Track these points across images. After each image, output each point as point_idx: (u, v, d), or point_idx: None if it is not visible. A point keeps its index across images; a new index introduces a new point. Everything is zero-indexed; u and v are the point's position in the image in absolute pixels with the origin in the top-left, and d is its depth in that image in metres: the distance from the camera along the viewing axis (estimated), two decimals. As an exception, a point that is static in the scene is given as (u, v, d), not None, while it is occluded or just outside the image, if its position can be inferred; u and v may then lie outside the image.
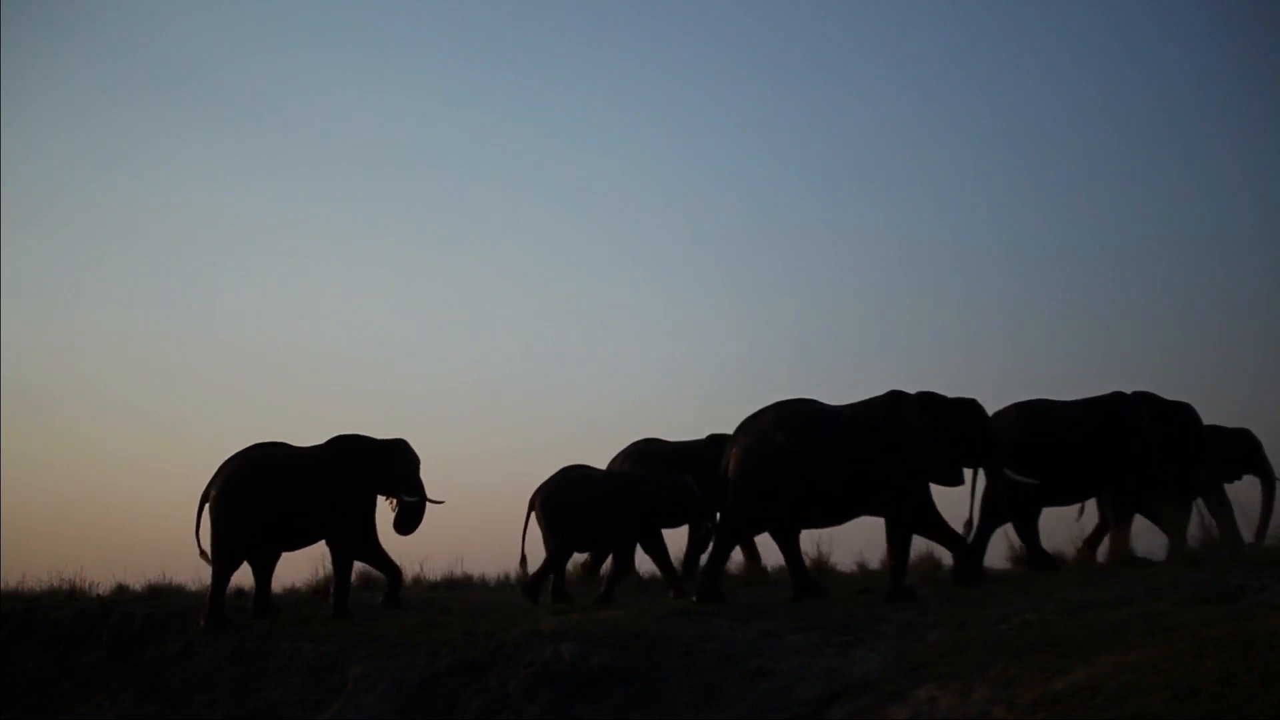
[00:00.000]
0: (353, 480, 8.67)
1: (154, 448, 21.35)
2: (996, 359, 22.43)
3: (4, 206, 20.94)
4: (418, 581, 10.54)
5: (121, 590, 9.96)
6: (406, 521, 8.91)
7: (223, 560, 8.56)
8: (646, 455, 10.09)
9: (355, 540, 8.66)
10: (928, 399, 8.14)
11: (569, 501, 8.75)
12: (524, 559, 9.11)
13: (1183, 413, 8.91)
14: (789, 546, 8.25)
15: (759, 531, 8.53)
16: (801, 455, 7.87)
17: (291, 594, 10.02)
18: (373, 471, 8.76)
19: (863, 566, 10.17)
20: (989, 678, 4.87)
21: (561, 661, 6.47)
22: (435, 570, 10.67)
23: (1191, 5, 21.86)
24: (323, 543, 8.82)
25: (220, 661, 7.91)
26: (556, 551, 8.81)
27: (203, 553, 8.70)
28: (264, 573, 8.80)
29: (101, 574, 10.19)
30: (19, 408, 20.56)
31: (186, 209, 25.16)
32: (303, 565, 10.07)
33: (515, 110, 26.40)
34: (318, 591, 9.51)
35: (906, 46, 24.74)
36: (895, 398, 8.13)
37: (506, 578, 10.61)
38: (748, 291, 25.34)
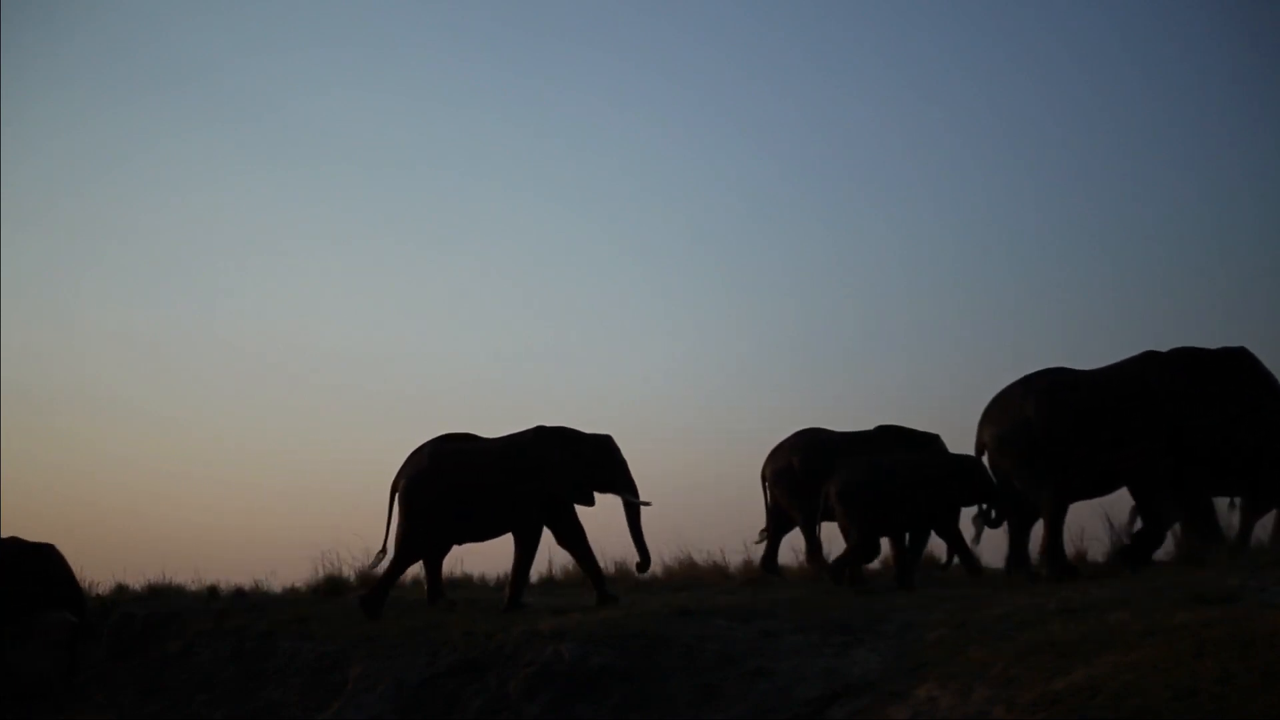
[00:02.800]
0: (568, 470, 8.56)
1: (154, 448, 21.40)
2: (996, 359, 22.45)
3: (4, 206, 20.97)
4: (418, 581, 10.55)
5: (121, 590, 9.99)
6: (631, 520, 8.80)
7: (405, 551, 8.48)
8: (817, 444, 9.82)
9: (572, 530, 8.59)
10: (1190, 355, 7.42)
11: (872, 487, 8.41)
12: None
13: None
14: (1055, 520, 7.81)
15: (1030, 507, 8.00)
16: (1050, 426, 7.54)
17: (292, 594, 10.04)
18: (589, 464, 8.66)
19: (863, 566, 10.17)
20: (989, 678, 4.86)
21: (561, 661, 6.47)
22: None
23: (1191, 5, 21.87)
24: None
25: (220, 661, 7.92)
26: (862, 539, 8.50)
27: (384, 549, 8.64)
28: (437, 563, 8.84)
29: (101, 574, 10.23)
30: (19, 408, 20.60)
31: (186, 209, 25.21)
32: (303, 565, 10.11)
33: (515, 110, 26.43)
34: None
35: (906, 46, 24.76)
36: (1150, 357, 7.53)
37: (507, 577, 10.60)
38: (748, 291, 25.38)
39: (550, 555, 10.80)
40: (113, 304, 24.20)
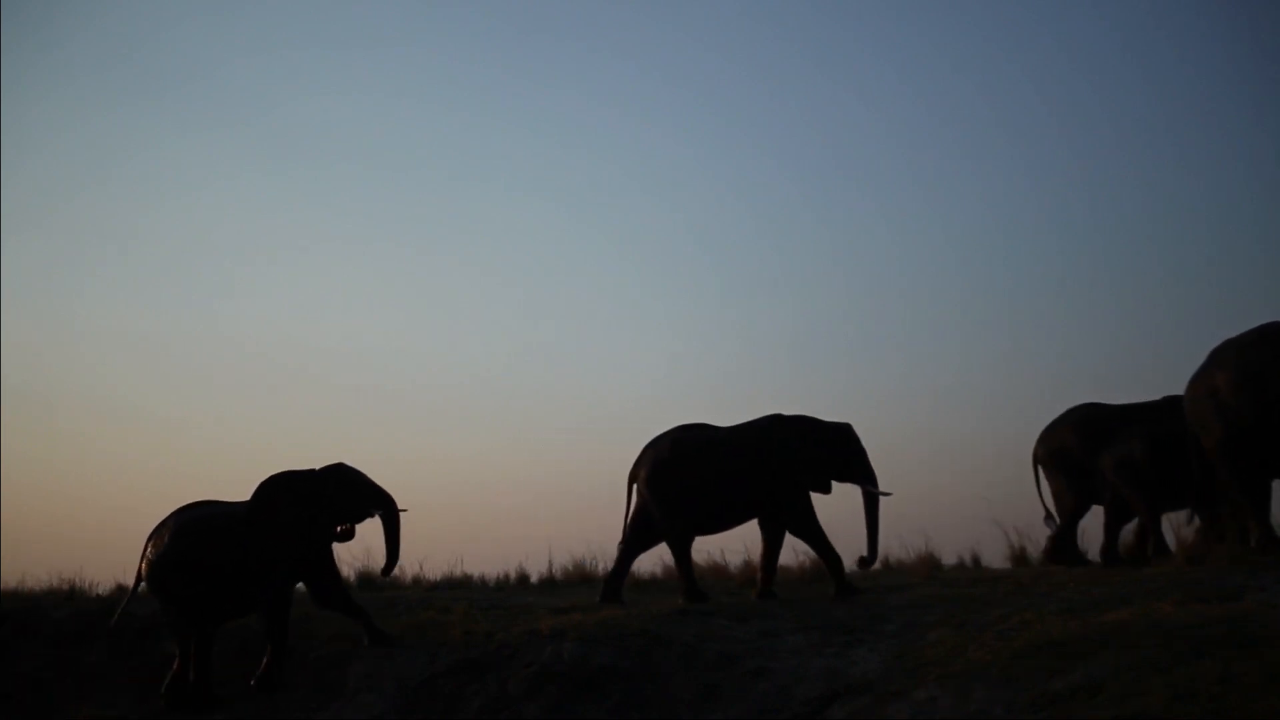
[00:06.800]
0: (807, 458, 8.32)
1: (154, 448, 21.38)
2: (996, 359, 22.46)
3: (4, 207, 20.96)
4: (418, 581, 10.54)
5: (121, 590, 9.96)
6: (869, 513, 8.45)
7: (681, 536, 8.36)
8: (1094, 419, 9.13)
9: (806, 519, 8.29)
10: None
11: (1163, 464, 8.04)
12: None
13: None
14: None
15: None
16: (1262, 383, 7.03)
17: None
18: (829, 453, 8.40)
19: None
20: (989, 678, 4.87)
21: (561, 661, 6.47)
22: (435, 570, 10.66)
23: (1191, 5, 21.86)
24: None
25: (220, 661, 7.90)
26: (1152, 514, 8.22)
27: (625, 540, 8.55)
28: (687, 555, 8.54)
29: (101, 574, 10.22)
30: (19, 408, 20.59)
31: (187, 210, 25.21)
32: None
33: (515, 110, 26.44)
34: None
35: (906, 46, 24.76)
36: None
37: (506, 578, 10.60)
38: (747, 291, 25.39)
39: (550, 555, 10.81)
40: (113, 305, 24.21)
